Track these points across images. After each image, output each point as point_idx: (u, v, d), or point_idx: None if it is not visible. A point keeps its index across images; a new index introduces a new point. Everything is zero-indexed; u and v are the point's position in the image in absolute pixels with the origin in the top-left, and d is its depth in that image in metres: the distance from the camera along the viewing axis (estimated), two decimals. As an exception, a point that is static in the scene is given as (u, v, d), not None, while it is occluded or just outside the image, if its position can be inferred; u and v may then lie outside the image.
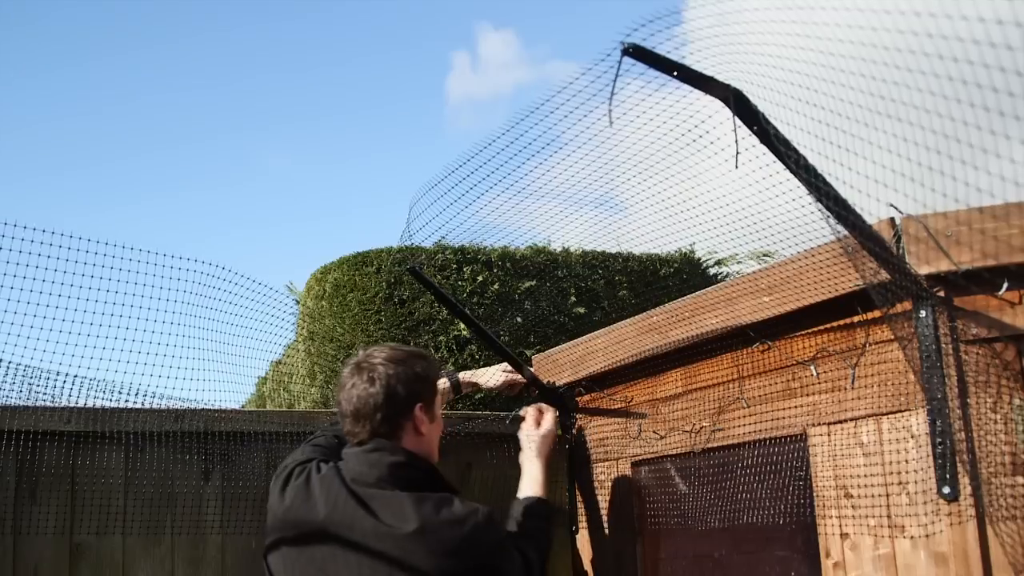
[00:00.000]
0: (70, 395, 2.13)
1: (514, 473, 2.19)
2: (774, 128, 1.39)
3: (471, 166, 1.65)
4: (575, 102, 1.41)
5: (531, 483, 2.12)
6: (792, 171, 1.45)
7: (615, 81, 1.24)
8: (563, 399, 2.68)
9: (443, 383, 2.50)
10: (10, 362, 2.05)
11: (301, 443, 2.05)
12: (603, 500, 2.53)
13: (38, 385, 2.10)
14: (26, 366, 2.05)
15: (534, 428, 2.26)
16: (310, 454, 1.94)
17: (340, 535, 1.71)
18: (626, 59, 1.26)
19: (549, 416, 2.30)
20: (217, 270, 2.17)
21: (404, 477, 1.78)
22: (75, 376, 2.10)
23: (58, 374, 2.08)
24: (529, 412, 2.34)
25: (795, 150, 1.42)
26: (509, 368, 2.53)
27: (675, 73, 1.33)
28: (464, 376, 2.55)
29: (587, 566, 2.57)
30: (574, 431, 2.65)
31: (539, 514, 2.04)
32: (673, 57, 1.32)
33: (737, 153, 1.35)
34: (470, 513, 1.75)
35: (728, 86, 1.35)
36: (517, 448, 2.24)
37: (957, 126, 1.16)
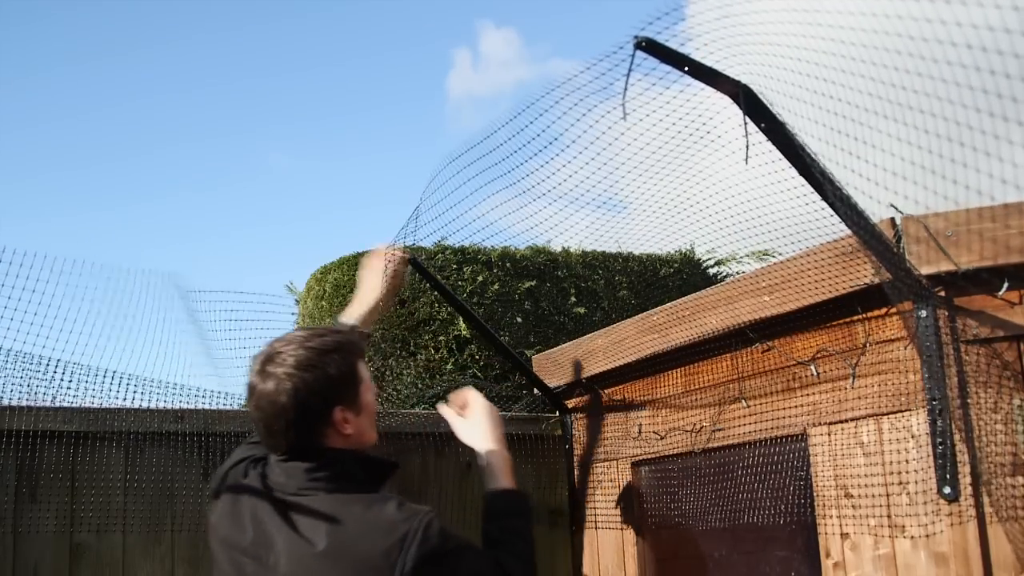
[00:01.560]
0: (68, 388, 2.15)
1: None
2: (784, 124, 1.39)
3: (472, 155, 1.64)
4: (581, 93, 1.41)
5: (496, 474, 1.80)
6: (800, 168, 1.45)
7: (628, 74, 1.24)
8: (561, 399, 2.68)
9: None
10: (9, 357, 2.06)
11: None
12: (603, 500, 2.53)
13: (38, 379, 2.11)
14: (26, 353, 2.07)
15: (466, 419, 1.90)
16: (245, 453, 1.74)
17: (263, 554, 1.54)
18: (638, 53, 1.26)
19: (473, 396, 1.92)
20: (220, 295, 2.23)
21: (326, 477, 1.58)
22: (75, 366, 2.12)
23: (59, 361, 2.10)
24: (445, 409, 1.95)
25: (805, 147, 1.42)
26: (380, 250, 2.14)
27: (686, 68, 1.33)
28: (355, 317, 2.07)
29: (587, 566, 2.57)
30: (574, 431, 2.65)
31: (512, 510, 1.77)
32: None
33: (747, 147, 1.35)
34: (406, 519, 1.51)
35: (738, 82, 1.35)
36: (517, 447, 2.23)
37: (961, 129, 1.16)
